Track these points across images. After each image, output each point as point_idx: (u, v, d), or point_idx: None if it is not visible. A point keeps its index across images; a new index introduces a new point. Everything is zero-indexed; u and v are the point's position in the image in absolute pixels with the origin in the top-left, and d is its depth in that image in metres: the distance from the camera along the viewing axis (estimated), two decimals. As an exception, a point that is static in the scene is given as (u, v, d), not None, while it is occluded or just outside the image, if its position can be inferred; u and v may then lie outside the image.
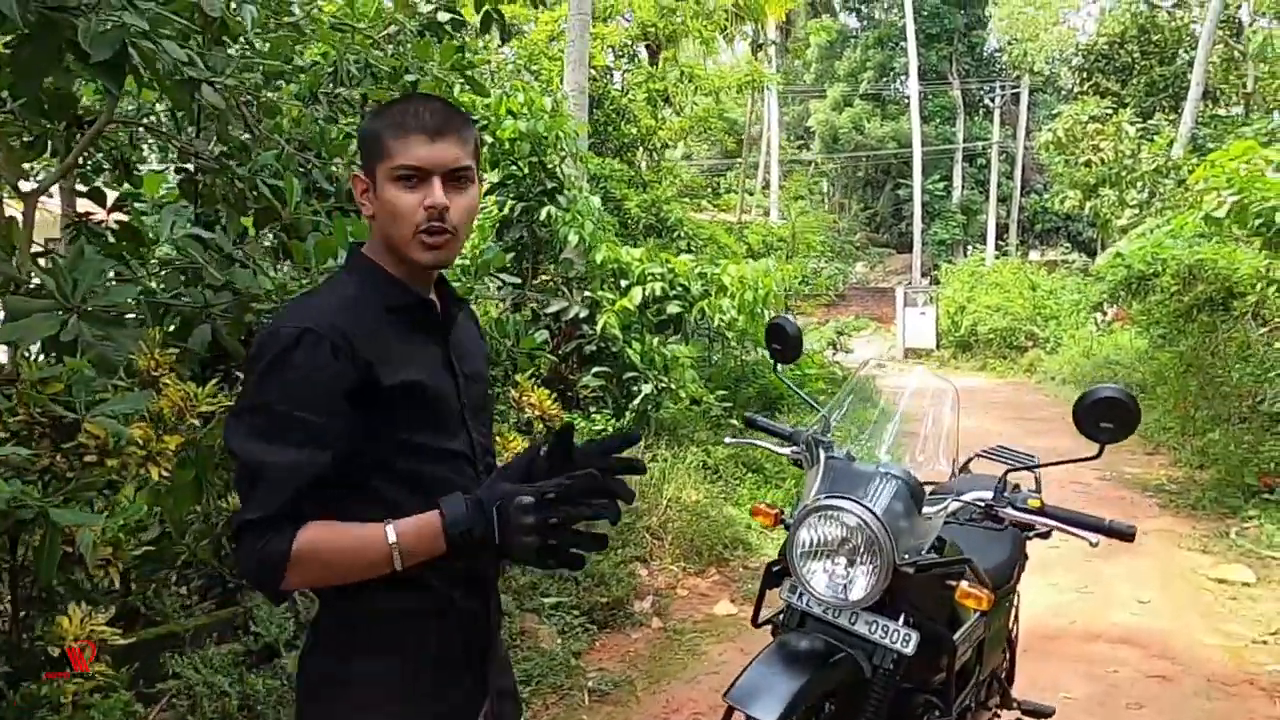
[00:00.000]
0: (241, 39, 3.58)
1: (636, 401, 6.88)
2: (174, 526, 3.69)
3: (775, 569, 2.20)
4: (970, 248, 31.02)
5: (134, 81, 2.85)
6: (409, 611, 1.42)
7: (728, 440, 2.65)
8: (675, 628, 4.72)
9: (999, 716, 3.04)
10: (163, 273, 3.25)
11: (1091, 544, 2.01)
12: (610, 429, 6.87)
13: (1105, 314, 13.19)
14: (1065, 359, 15.74)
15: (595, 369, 6.84)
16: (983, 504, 2.09)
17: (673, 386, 7.10)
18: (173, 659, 3.04)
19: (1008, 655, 3.02)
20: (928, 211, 31.81)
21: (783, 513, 2.19)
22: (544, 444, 1.42)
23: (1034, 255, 31.10)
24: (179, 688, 3.03)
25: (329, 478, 1.33)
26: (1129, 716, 3.82)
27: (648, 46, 15.30)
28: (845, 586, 1.98)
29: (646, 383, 6.84)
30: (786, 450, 2.31)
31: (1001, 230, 32.62)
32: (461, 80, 5.28)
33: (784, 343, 2.38)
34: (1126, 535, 2.01)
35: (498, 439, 4.92)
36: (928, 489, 2.12)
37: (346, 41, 4.40)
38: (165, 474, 3.10)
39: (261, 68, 3.79)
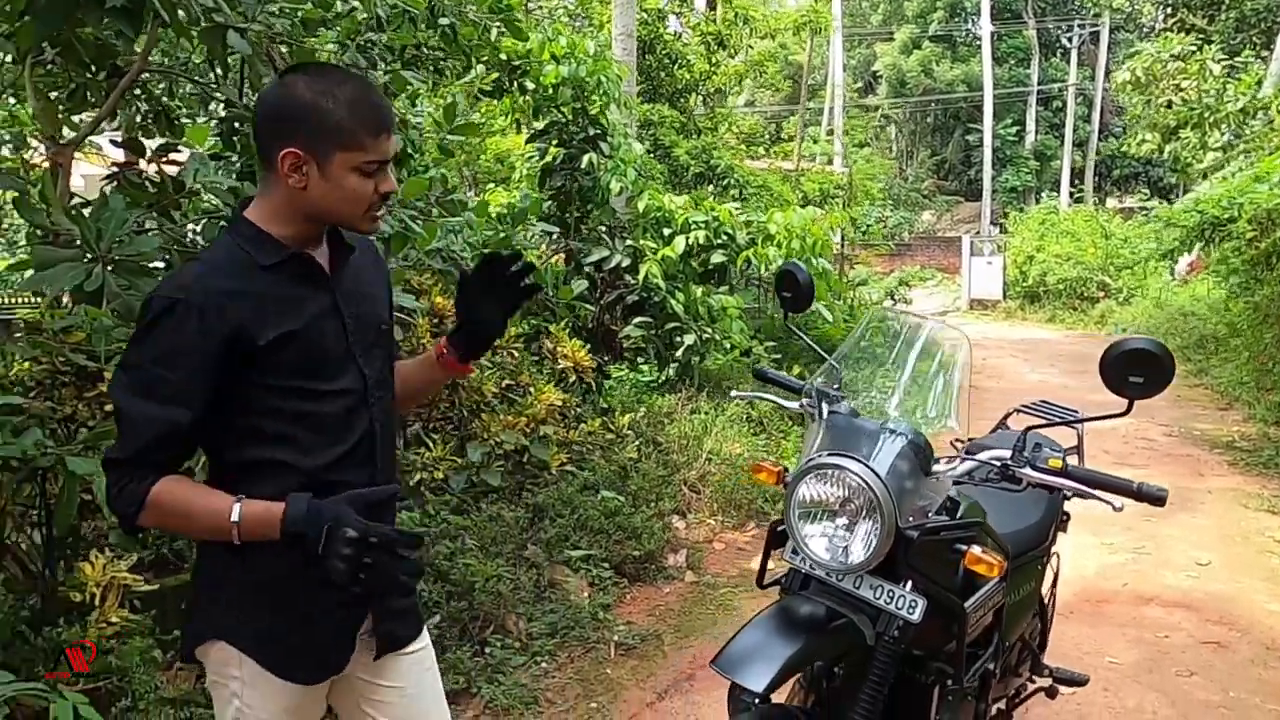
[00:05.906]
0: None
1: (679, 352, 6.77)
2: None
3: (780, 528, 2.07)
4: (1043, 194, 29.90)
5: (176, 29, 2.80)
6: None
7: (733, 394, 2.52)
8: (709, 582, 4.64)
9: (1030, 684, 2.91)
10: (201, 223, 3.22)
11: (1115, 508, 1.85)
12: (655, 379, 6.78)
13: (1176, 262, 12.55)
14: (1139, 310, 15.14)
15: (637, 319, 6.73)
16: (999, 463, 1.94)
17: (718, 337, 6.96)
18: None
19: (1039, 621, 2.87)
20: (999, 157, 30.73)
21: (786, 470, 2.07)
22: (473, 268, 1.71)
23: (1111, 202, 29.92)
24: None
25: (185, 432, 1.48)
26: (1177, 684, 3.63)
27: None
28: (845, 550, 1.86)
29: (689, 333, 6.71)
30: (795, 404, 2.18)
31: (1077, 176, 31.35)
32: (499, 24, 5.15)
33: (795, 291, 2.25)
34: (1157, 499, 1.85)
35: (531, 390, 4.88)
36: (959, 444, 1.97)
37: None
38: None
39: (300, 13, 3.72)
